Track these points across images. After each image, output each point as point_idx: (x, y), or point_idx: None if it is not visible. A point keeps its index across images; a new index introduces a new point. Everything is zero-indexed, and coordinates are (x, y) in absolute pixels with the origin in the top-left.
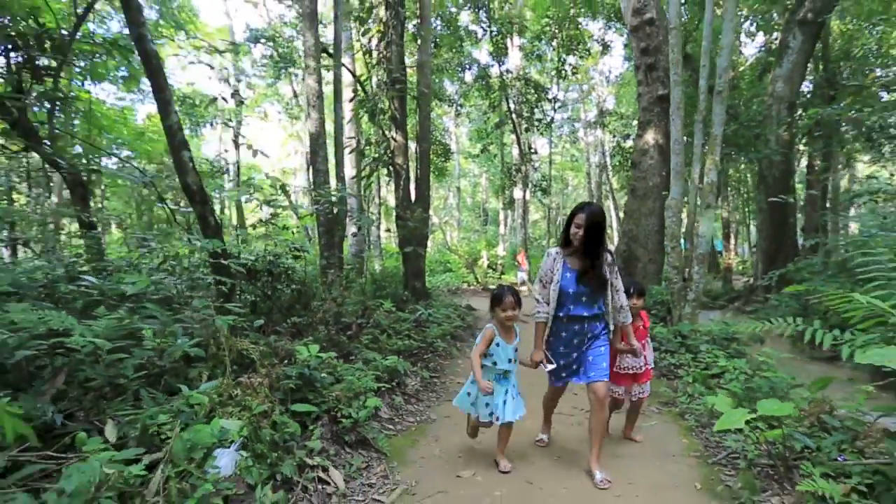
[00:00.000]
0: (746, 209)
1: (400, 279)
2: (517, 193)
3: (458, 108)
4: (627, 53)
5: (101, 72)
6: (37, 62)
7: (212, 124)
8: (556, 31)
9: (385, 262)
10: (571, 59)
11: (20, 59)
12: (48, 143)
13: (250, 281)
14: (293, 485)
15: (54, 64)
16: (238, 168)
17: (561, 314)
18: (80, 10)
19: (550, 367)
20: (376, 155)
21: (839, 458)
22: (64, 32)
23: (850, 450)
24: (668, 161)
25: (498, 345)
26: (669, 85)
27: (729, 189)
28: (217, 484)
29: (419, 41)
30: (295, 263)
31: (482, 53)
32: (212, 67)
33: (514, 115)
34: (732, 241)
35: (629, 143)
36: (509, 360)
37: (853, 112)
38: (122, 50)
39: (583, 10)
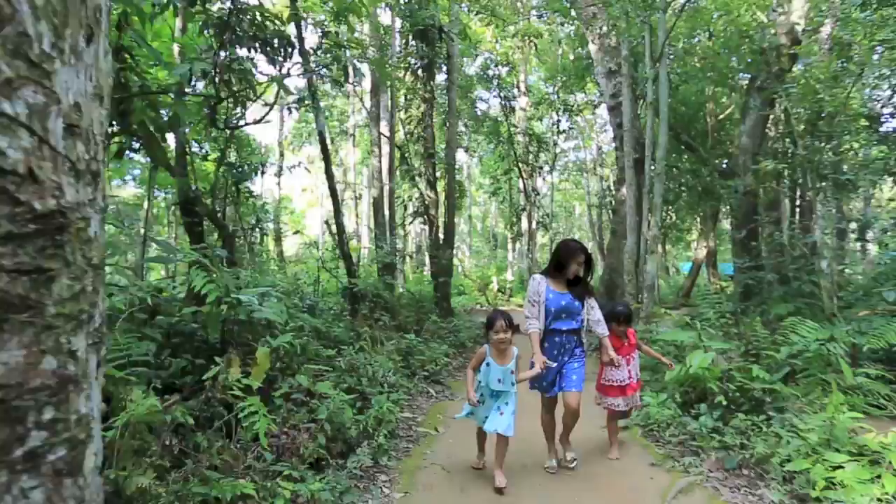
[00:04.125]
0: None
1: (432, 300)
2: (524, 225)
3: (473, 153)
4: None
5: None
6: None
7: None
8: (554, 97)
9: (407, 286)
10: (566, 119)
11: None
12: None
13: (365, 301)
14: (415, 389)
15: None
16: (278, 204)
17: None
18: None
19: (553, 364)
20: (415, 209)
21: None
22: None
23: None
24: (639, 209)
25: (488, 364)
26: (640, 151)
27: (716, 224)
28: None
29: (447, 124)
30: (383, 291)
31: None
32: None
33: (519, 164)
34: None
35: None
36: (499, 381)
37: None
38: None
39: (574, 80)
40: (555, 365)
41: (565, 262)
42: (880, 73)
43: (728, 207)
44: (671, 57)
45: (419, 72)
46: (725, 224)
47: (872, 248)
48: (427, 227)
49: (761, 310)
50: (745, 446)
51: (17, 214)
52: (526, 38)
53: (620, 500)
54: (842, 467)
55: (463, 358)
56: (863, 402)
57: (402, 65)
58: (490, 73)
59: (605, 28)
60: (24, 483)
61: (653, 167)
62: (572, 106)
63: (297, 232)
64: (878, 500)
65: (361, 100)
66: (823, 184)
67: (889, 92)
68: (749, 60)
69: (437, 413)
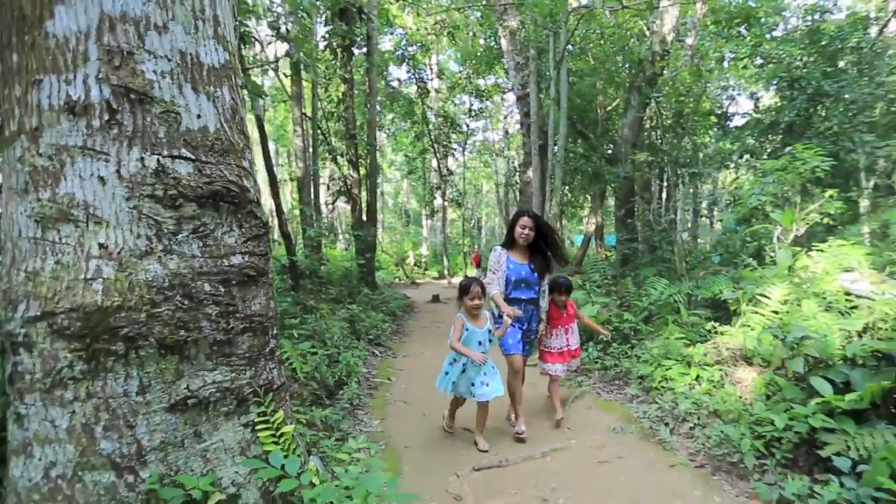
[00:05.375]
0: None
1: (357, 275)
2: (437, 202)
3: (388, 132)
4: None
5: None
6: None
7: None
8: (466, 83)
9: (331, 262)
10: (477, 102)
11: None
12: None
13: (304, 276)
14: (364, 350)
15: None
16: None
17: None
18: None
19: (520, 313)
20: (337, 188)
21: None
22: None
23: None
24: (543, 191)
25: (468, 330)
26: (544, 138)
27: (604, 202)
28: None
29: (368, 105)
30: (318, 267)
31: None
32: None
33: (434, 144)
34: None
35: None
36: (479, 343)
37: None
38: None
39: (483, 68)
40: (521, 314)
41: (511, 229)
42: (724, 82)
43: (612, 189)
44: (571, 49)
45: (339, 52)
46: (611, 202)
47: (718, 223)
48: (349, 206)
49: (634, 273)
50: (617, 366)
51: (258, 224)
52: (442, 23)
53: (537, 410)
54: (671, 368)
55: (396, 325)
56: (692, 333)
57: (322, 42)
58: (403, 52)
59: (515, 24)
60: (270, 365)
61: (555, 153)
62: (483, 90)
63: None
64: (689, 384)
65: (280, 78)
66: (681, 171)
67: (734, 94)
68: (630, 64)
69: (387, 367)
